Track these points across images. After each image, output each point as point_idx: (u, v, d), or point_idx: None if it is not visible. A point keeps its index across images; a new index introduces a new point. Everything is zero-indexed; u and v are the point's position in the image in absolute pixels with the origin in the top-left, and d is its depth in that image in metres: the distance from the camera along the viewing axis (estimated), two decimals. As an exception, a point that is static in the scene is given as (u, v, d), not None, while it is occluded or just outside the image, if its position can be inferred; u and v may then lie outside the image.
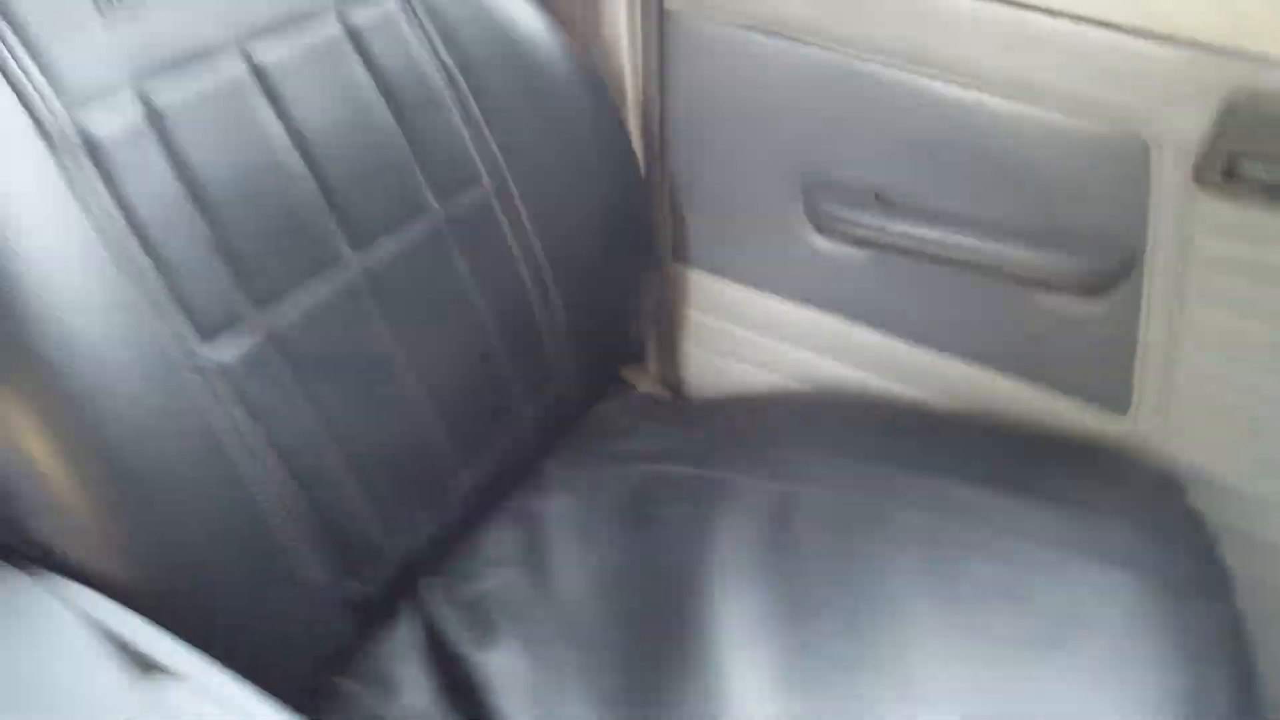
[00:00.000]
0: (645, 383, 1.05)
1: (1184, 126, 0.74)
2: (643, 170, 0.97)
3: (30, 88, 0.56)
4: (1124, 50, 0.74)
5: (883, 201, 0.90)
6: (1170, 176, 0.76)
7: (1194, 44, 0.72)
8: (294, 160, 0.67)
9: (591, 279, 0.87)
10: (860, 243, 0.92)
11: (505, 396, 0.81)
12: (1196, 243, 0.77)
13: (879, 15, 0.83)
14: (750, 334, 1.03)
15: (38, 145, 0.56)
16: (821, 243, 0.94)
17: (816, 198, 0.92)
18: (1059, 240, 0.83)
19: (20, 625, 0.47)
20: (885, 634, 0.66)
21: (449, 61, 0.77)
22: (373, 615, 0.71)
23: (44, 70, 0.57)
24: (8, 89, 0.56)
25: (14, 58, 0.56)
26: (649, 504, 0.79)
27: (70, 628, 0.48)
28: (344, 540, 0.67)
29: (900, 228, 0.88)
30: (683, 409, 1.00)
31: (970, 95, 0.82)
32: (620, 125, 0.91)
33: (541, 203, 0.81)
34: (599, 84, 0.88)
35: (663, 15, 0.92)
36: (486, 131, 0.78)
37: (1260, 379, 0.79)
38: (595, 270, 0.87)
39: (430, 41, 0.76)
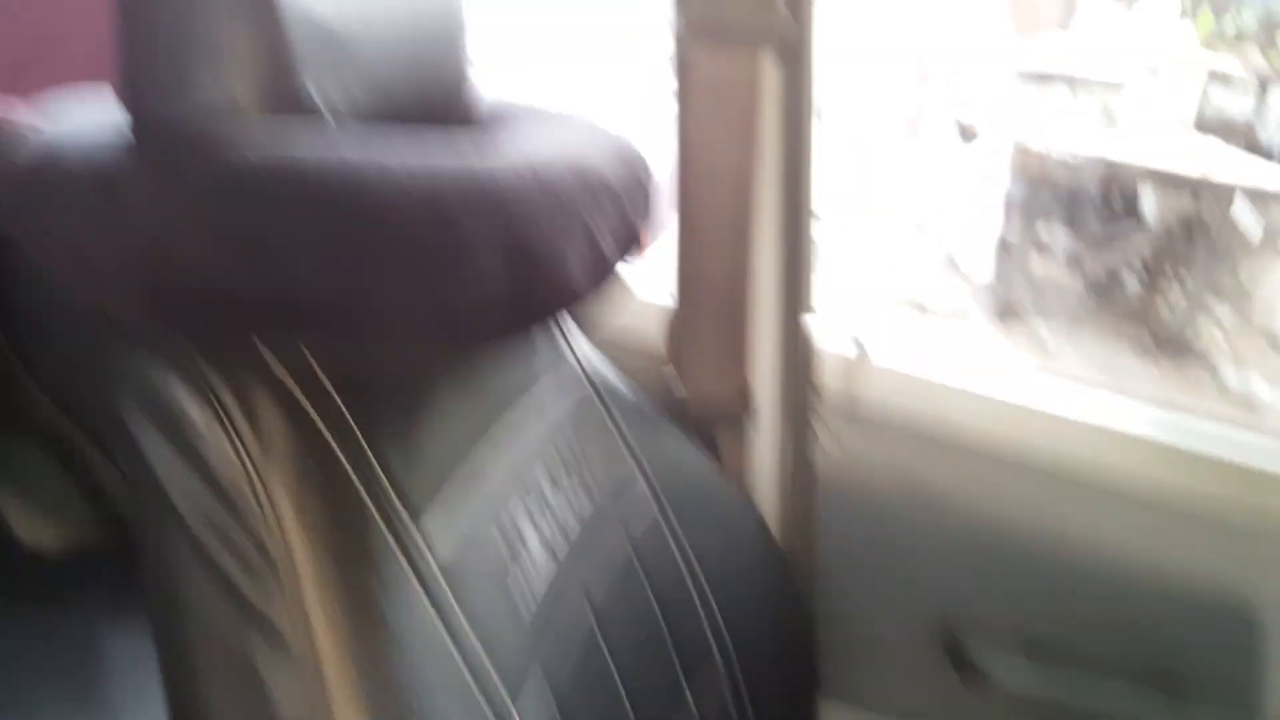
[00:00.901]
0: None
1: None
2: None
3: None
4: (1227, 530, 0.87)
5: (1016, 643, 0.99)
6: (1274, 634, 0.87)
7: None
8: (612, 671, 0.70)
9: None
10: (991, 682, 0.99)
11: None
12: None
13: (1015, 493, 0.94)
14: None
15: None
16: (955, 679, 1.01)
17: (953, 636, 1.00)
18: (1179, 691, 0.92)
19: None
20: None
21: (687, 548, 0.80)
22: None
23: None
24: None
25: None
26: None
27: None
28: None
29: (1031, 671, 0.97)
30: None
31: (1094, 559, 0.93)
32: (789, 573, 0.98)
33: (750, 674, 0.83)
34: (773, 541, 0.94)
35: (813, 477, 1.02)
36: (714, 610, 0.81)
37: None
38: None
39: (674, 534, 0.80)
